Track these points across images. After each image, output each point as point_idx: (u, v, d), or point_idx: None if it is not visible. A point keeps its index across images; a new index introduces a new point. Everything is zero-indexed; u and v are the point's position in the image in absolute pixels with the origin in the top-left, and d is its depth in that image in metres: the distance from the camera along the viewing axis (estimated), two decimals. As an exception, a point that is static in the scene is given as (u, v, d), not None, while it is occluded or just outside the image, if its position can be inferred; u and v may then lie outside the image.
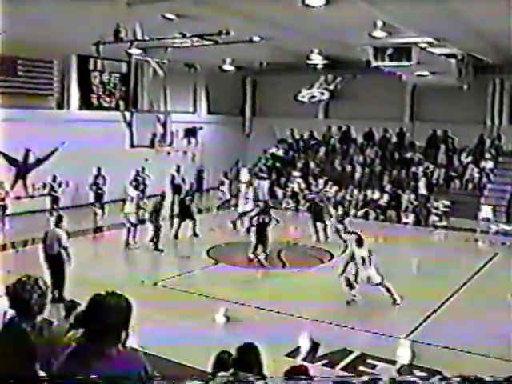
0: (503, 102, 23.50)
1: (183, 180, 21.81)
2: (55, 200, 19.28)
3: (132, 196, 16.99)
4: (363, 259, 11.36)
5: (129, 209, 16.28)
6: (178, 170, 21.72)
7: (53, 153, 20.33)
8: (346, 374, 8.32)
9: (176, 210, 18.78)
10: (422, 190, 21.72)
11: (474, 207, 20.56)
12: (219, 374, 5.15)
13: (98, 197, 20.46)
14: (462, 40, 16.50)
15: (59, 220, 11.55)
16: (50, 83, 21.13)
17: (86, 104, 22.41)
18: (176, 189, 21.54)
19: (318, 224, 17.36)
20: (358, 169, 24.14)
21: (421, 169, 22.80)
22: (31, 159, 20.22)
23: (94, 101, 22.77)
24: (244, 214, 18.54)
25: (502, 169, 22.28)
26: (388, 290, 11.40)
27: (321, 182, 23.67)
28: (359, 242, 11.66)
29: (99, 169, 20.41)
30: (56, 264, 11.01)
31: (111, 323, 3.16)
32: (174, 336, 9.27)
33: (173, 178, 21.77)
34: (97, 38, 14.87)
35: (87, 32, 14.62)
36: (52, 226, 11.66)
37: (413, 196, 21.68)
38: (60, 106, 21.79)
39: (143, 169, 21.28)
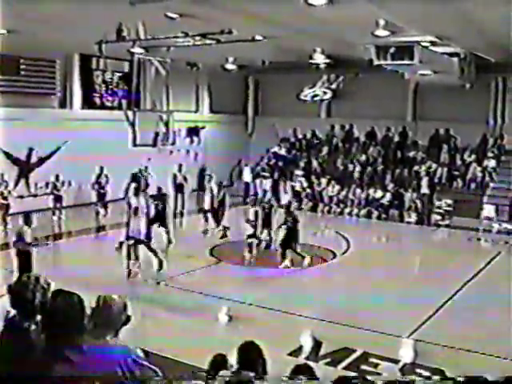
0: (506, 101, 23.46)
1: (185, 179, 21.78)
2: (58, 199, 19.29)
3: None
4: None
5: None
6: (179, 170, 21.69)
7: (55, 152, 20.36)
8: (348, 373, 8.31)
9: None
10: (425, 189, 21.69)
11: (477, 206, 20.54)
12: (221, 372, 5.13)
13: (101, 196, 20.48)
14: (465, 39, 16.45)
15: (27, 218, 11.61)
16: (53, 82, 21.16)
17: (88, 103, 22.44)
18: (178, 188, 21.53)
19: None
20: (361, 168, 24.11)
21: (423, 168, 22.78)
22: (34, 158, 20.25)
23: (97, 100, 22.80)
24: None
25: (504, 168, 22.23)
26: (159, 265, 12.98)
27: (323, 180, 23.66)
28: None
29: (102, 168, 20.41)
30: (23, 260, 11.14)
31: (63, 319, 3.28)
32: (176, 334, 9.30)
33: (175, 177, 21.74)
34: (99, 36, 14.86)
35: (90, 31, 14.62)
36: (22, 224, 11.63)
37: (415, 195, 21.67)
38: (62, 105, 21.81)
39: (146, 168, 21.23)
